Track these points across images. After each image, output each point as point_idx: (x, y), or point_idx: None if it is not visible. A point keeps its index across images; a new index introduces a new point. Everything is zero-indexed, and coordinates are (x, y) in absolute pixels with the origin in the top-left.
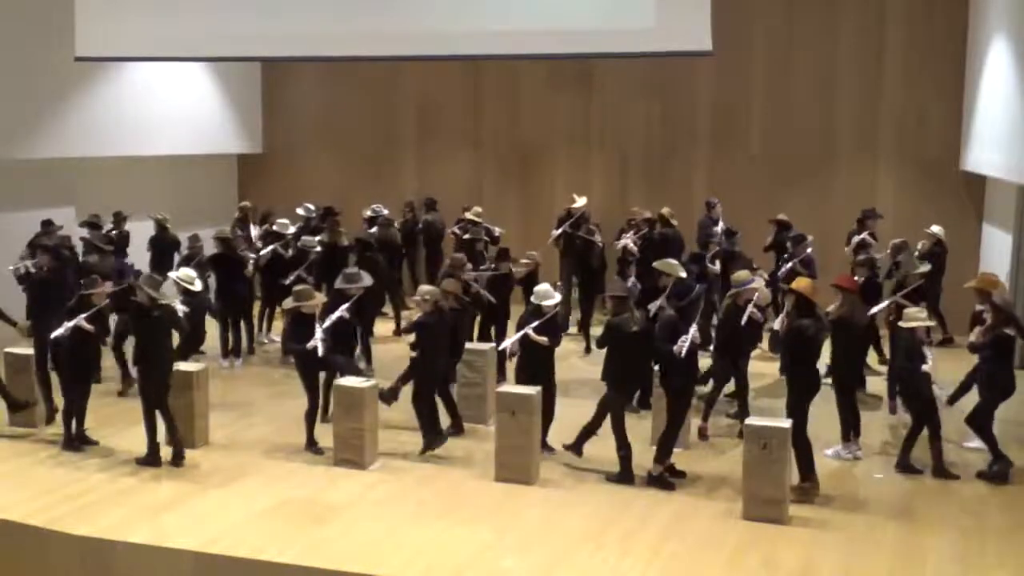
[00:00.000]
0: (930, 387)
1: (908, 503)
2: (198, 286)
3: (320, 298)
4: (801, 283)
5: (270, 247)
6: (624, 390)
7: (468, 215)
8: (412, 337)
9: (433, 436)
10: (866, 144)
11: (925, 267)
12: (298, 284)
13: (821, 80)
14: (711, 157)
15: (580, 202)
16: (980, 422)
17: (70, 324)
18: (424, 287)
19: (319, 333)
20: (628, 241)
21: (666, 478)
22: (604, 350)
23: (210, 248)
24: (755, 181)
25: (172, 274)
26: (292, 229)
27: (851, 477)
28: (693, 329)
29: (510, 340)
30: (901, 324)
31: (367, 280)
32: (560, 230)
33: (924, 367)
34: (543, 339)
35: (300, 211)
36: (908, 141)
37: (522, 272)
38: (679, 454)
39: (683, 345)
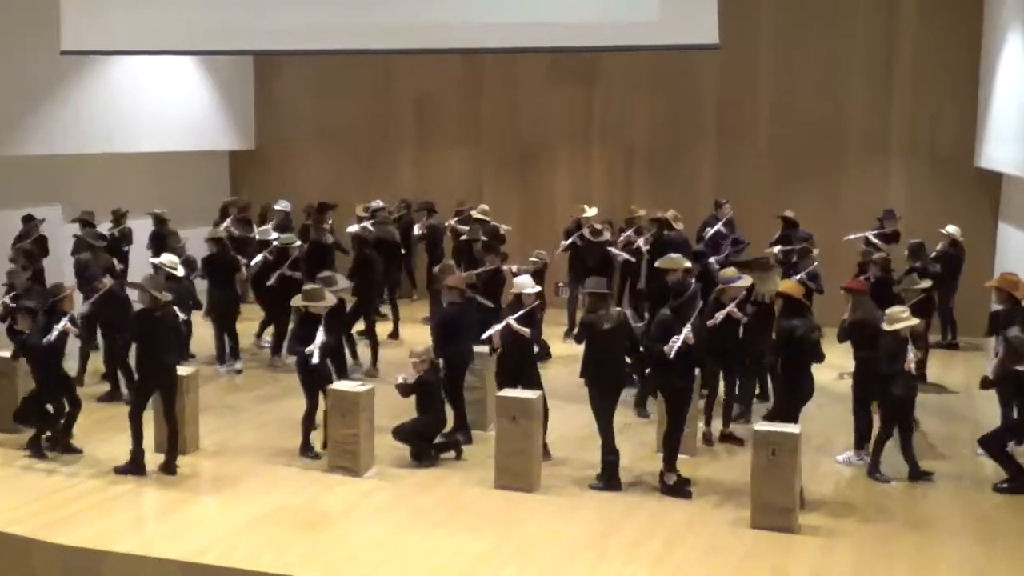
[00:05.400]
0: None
1: (919, 511)
2: (181, 271)
3: (331, 299)
4: (788, 285)
5: (259, 256)
6: (599, 388)
7: (475, 213)
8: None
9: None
10: (877, 140)
11: (925, 283)
12: (282, 282)
13: (831, 74)
14: (717, 153)
15: (590, 212)
16: (994, 447)
17: (58, 328)
18: (416, 348)
19: (319, 339)
20: (636, 239)
21: (683, 487)
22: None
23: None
24: (762, 178)
25: (154, 260)
26: (274, 234)
27: (861, 484)
28: (687, 329)
29: (492, 330)
30: (884, 327)
31: (342, 283)
32: (570, 241)
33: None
34: (526, 330)
35: (277, 207)
36: (921, 137)
37: (529, 270)
38: (685, 461)
39: (674, 345)
